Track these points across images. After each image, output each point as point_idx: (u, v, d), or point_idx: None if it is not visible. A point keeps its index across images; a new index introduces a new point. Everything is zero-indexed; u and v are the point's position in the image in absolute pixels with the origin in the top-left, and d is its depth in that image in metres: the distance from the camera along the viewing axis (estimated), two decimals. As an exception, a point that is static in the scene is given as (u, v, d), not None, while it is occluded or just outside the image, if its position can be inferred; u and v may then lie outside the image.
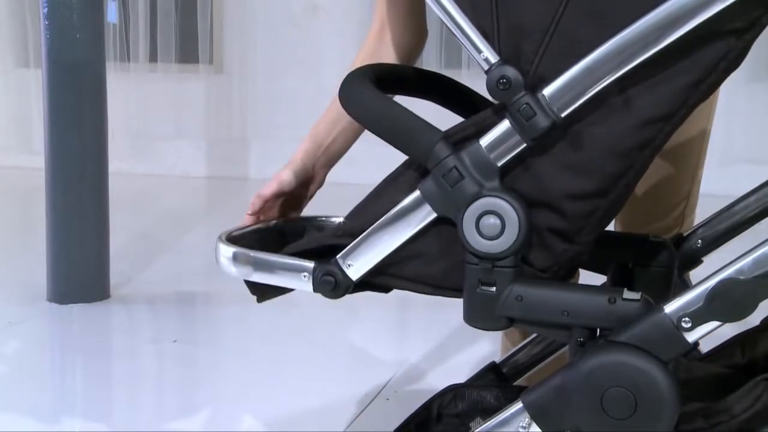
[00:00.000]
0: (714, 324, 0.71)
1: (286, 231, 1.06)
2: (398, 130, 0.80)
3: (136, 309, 2.67)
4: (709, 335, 0.72)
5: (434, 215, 0.80)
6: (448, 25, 0.77)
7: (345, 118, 1.10)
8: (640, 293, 0.76)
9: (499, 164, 0.77)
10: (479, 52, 0.77)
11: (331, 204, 1.14)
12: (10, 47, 5.95)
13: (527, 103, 0.75)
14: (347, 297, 0.85)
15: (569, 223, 0.79)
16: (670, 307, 0.72)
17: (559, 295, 0.78)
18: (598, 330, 0.77)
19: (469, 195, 0.78)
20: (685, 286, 1.08)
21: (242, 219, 1.06)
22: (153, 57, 5.74)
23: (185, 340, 2.41)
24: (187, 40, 5.69)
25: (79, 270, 2.67)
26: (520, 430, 0.76)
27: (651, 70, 0.74)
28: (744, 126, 4.79)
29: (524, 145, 0.76)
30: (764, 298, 0.70)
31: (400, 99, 0.86)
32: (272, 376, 2.08)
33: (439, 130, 0.80)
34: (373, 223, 0.82)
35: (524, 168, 0.78)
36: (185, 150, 5.76)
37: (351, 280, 0.84)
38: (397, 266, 0.84)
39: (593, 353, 0.73)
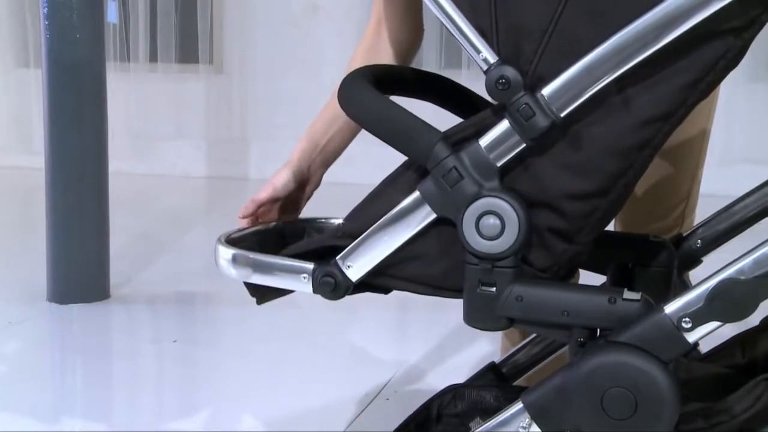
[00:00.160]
0: (714, 324, 0.71)
1: (286, 233, 1.06)
2: (397, 131, 0.80)
3: (136, 309, 2.67)
4: (709, 335, 0.72)
5: (434, 216, 0.80)
6: (447, 25, 0.77)
7: (341, 118, 1.10)
8: (640, 293, 0.76)
9: (499, 164, 0.77)
10: (478, 52, 0.76)
11: (329, 204, 1.15)
12: (10, 47, 5.96)
13: (526, 103, 0.75)
14: (347, 298, 0.85)
15: (569, 223, 0.79)
16: (671, 308, 0.72)
17: (559, 295, 0.78)
18: (598, 330, 0.77)
19: (468, 195, 0.78)
20: (685, 286, 1.08)
21: (244, 220, 1.06)
22: (153, 57, 5.74)
23: (185, 340, 2.41)
24: (187, 40, 5.69)
25: (79, 270, 2.67)
26: (521, 430, 0.76)
27: (650, 69, 0.74)
28: (744, 126, 4.79)
29: (524, 145, 0.76)
30: (765, 298, 0.70)
31: (399, 100, 0.86)
32: (272, 376, 2.08)
33: (438, 131, 0.79)
34: (372, 224, 0.82)
35: (524, 168, 0.78)
36: (185, 150, 5.76)
37: (351, 281, 0.84)
38: (396, 267, 0.83)
39: (593, 353, 0.73)
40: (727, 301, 0.70)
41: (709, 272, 0.72)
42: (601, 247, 0.87)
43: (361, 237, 0.83)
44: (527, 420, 0.76)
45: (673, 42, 0.72)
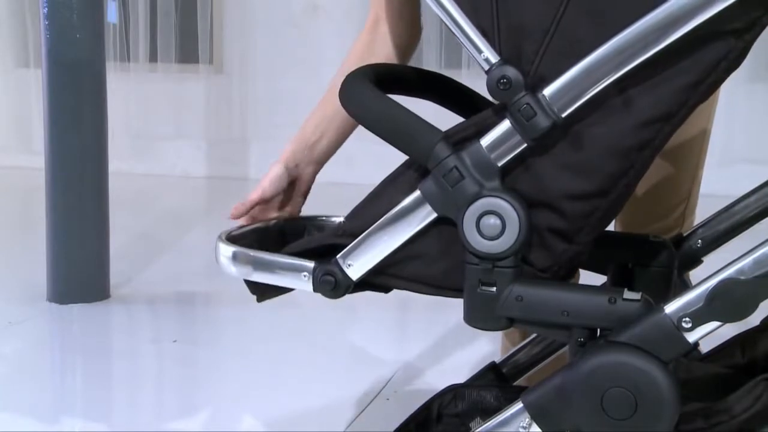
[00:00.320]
0: (714, 324, 0.71)
1: (287, 231, 1.06)
2: (398, 131, 0.80)
3: (136, 309, 2.67)
4: (709, 335, 0.72)
5: (434, 215, 0.80)
6: (449, 25, 0.77)
7: (335, 117, 1.10)
8: (640, 293, 0.76)
9: (500, 164, 0.77)
10: (479, 52, 0.77)
11: (329, 204, 1.14)
12: (10, 47, 5.95)
13: (528, 103, 0.75)
14: (347, 297, 0.85)
15: (569, 223, 0.79)
16: (671, 308, 0.72)
17: (559, 295, 0.78)
18: (599, 330, 0.77)
19: (469, 195, 0.78)
20: (685, 286, 1.08)
21: (239, 220, 1.06)
22: (153, 57, 5.74)
23: (185, 340, 2.41)
24: (187, 40, 5.69)
25: (79, 270, 2.67)
26: (521, 430, 0.76)
27: (651, 70, 0.74)
28: (744, 126, 4.79)
29: (525, 145, 0.76)
30: (765, 298, 0.70)
31: (400, 99, 0.86)
32: (272, 376, 2.08)
33: (439, 130, 0.80)
34: (373, 223, 0.82)
35: (524, 168, 0.78)
36: (185, 150, 5.76)
37: (351, 279, 0.84)
38: (397, 266, 0.84)
39: (593, 353, 0.73)
40: (727, 301, 0.70)
41: (709, 272, 0.72)
42: (601, 247, 0.87)
43: (361, 236, 0.83)
44: (527, 420, 0.76)
45: (674, 43, 0.72)
